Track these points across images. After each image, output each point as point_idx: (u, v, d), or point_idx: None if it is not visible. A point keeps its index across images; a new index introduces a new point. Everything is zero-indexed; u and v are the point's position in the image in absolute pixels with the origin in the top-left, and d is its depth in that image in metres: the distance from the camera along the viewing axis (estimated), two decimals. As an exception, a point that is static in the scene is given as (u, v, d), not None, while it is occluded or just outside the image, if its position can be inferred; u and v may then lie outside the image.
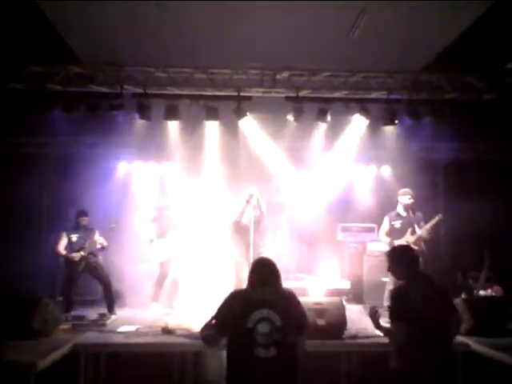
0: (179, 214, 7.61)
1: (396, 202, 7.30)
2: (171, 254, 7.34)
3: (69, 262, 6.90)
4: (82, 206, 7.34)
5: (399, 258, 4.05)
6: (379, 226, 7.53)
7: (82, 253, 6.92)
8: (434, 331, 3.68)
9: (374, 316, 4.02)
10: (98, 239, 7.12)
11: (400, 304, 3.86)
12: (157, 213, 7.59)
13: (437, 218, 6.99)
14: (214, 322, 3.54)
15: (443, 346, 3.73)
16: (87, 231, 7.15)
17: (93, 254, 7.06)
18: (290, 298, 3.60)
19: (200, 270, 8.04)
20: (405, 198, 7.16)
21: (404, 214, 7.18)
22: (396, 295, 3.94)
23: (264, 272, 3.62)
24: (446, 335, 3.79)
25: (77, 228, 7.12)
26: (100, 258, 7.18)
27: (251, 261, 6.99)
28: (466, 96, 7.43)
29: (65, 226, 7.20)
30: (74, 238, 7.04)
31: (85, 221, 7.15)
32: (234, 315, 3.42)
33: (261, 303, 3.40)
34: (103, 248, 7.16)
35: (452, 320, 3.85)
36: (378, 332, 4.98)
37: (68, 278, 6.94)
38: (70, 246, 6.98)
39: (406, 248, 4.30)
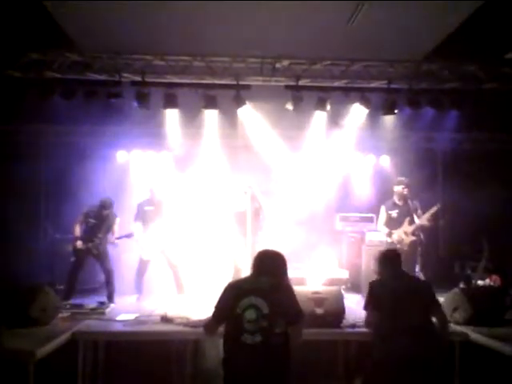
0: (168, 205, 7.56)
1: (393, 192, 7.33)
2: (159, 247, 7.31)
3: (76, 246, 6.91)
4: (81, 195, 7.30)
5: (382, 262, 4.39)
6: (378, 215, 7.54)
7: (89, 245, 6.90)
8: (408, 322, 3.84)
9: None
10: (113, 233, 7.09)
11: (372, 294, 4.15)
12: (137, 210, 7.53)
13: (435, 208, 7.02)
14: (212, 311, 3.62)
15: (422, 335, 3.85)
16: (106, 223, 7.07)
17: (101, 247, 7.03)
18: (282, 289, 3.62)
19: (198, 258, 8.07)
20: (399, 187, 7.21)
21: (400, 203, 7.20)
22: (370, 286, 4.25)
23: (263, 263, 3.68)
24: (424, 326, 3.93)
25: (97, 215, 7.04)
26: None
27: (250, 250, 7.03)
28: (467, 86, 7.41)
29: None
30: (91, 223, 7.01)
31: (104, 213, 7.06)
32: (227, 303, 3.52)
33: (250, 291, 3.47)
34: (113, 244, 7.15)
35: (435, 314, 4.10)
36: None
37: (74, 263, 6.94)
38: (84, 231, 6.98)
39: (388, 252, 4.58)
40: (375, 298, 4.10)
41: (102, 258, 7.04)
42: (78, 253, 6.90)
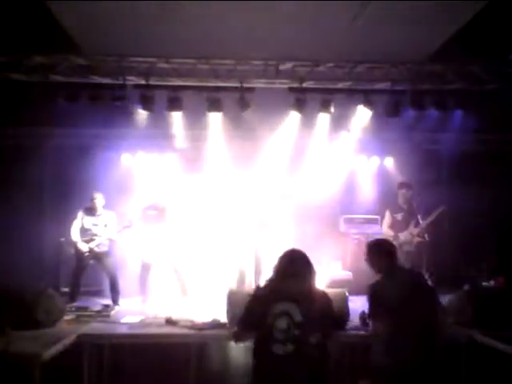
0: (172, 209, 7.56)
1: (397, 194, 7.34)
2: (161, 251, 7.30)
3: (78, 250, 6.92)
4: (86, 198, 7.27)
5: (376, 252, 4.03)
6: (382, 217, 7.54)
7: (90, 245, 6.92)
8: (413, 325, 3.63)
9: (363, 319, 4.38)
10: (112, 229, 7.06)
11: (376, 301, 3.82)
12: (141, 213, 7.55)
13: (440, 209, 7.02)
14: (241, 317, 3.44)
15: (426, 339, 3.67)
16: (102, 220, 7.10)
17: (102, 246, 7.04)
18: (317, 296, 3.38)
19: (202, 261, 8.06)
20: (402, 190, 7.22)
21: (405, 205, 7.20)
22: (371, 293, 3.89)
23: (292, 264, 3.43)
24: (428, 329, 3.71)
25: (93, 213, 7.08)
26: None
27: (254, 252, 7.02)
28: (470, 86, 7.40)
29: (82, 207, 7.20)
30: (87, 224, 7.04)
31: (96, 204, 7.09)
32: (256, 309, 3.31)
33: (282, 296, 3.24)
34: (111, 241, 7.15)
35: (437, 316, 3.85)
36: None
37: (76, 266, 6.97)
38: (82, 231, 6.98)
39: (383, 241, 4.27)
40: (379, 305, 3.77)
41: (104, 261, 7.03)
42: (82, 255, 6.90)
